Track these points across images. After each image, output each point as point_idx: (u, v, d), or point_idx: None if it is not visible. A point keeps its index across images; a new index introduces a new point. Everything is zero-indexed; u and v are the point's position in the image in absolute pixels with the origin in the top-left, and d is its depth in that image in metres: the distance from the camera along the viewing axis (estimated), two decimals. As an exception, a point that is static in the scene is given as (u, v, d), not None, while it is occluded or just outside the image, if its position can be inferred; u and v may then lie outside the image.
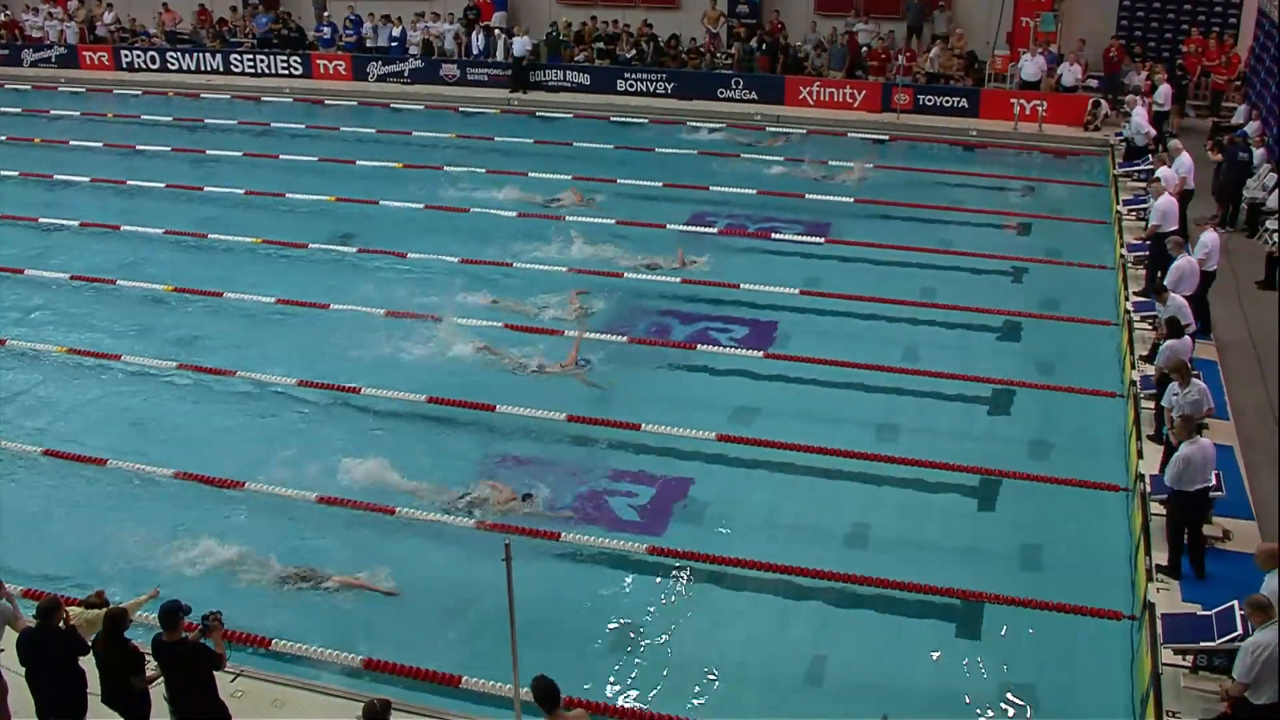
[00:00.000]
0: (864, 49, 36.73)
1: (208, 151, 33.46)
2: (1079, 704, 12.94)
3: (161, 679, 11.08)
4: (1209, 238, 20.16)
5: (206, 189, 30.17)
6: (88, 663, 11.24)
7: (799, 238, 26.15)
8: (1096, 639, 13.74)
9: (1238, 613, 11.88)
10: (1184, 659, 12.39)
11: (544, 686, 10.09)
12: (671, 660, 13.56)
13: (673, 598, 14.61)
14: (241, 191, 29.79)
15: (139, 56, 42.09)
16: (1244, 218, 25.62)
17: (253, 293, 23.22)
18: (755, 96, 36.35)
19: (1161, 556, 14.14)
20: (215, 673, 11.11)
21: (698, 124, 34.99)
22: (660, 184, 29.42)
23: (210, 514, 16.19)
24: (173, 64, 41.82)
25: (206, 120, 37.05)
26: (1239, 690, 10.78)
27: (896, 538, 15.80)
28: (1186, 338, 16.93)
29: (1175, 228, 21.38)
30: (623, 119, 36.01)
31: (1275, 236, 23.85)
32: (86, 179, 31.09)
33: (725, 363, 20.37)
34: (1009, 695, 13.04)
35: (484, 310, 22.22)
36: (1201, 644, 12.14)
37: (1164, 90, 30.90)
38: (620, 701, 12.80)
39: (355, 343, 21.12)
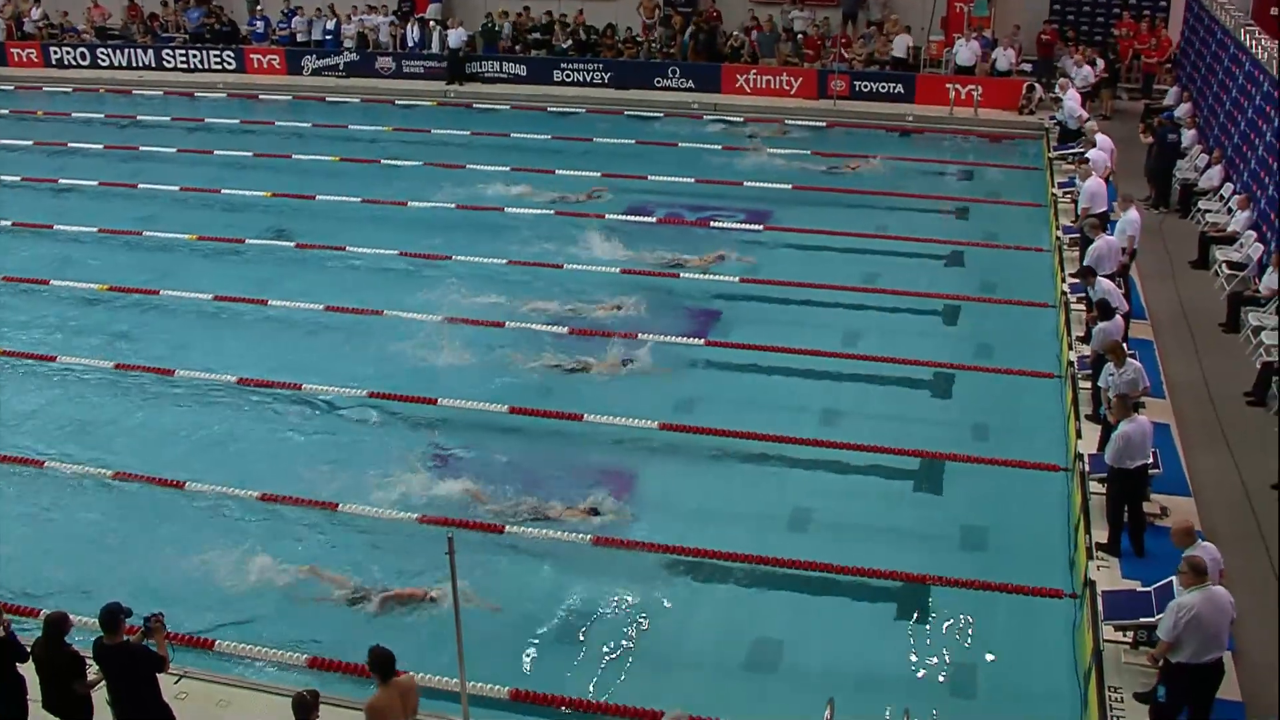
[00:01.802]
0: (799, 35, 36.84)
1: (141, 148, 32.99)
2: (1022, 682, 13.06)
3: (103, 683, 10.96)
4: (1130, 216, 20.51)
5: (140, 186, 29.81)
6: (27, 668, 11.08)
7: (739, 225, 26.21)
8: (1039, 618, 13.88)
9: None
10: (1124, 635, 12.55)
11: (380, 655, 10.38)
12: (616, 648, 13.55)
13: (618, 588, 14.57)
14: (176, 188, 29.45)
15: (68, 53, 41.42)
16: (1176, 198, 25.97)
17: (190, 290, 22.97)
18: (692, 85, 36.37)
19: (1101, 534, 14.30)
20: (159, 675, 10.99)
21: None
22: (599, 174, 29.38)
23: (151, 514, 16.04)
24: (103, 60, 41.19)
25: (139, 117, 36.62)
26: (1164, 649, 10.94)
27: (839, 522, 15.89)
28: (1118, 318, 17.16)
29: (1104, 209, 21.65)
30: (559, 109, 35.94)
31: (1207, 217, 24.24)
32: (17, 178, 30.58)
33: (667, 351, 20.35)
34: (953, 676, 13.15)
35: (424, 303, 22.09)
36: (1141, 620, 12.28)
37: (1084, 72, 31.24)
38: (565, 691, 12.75)
39: (293, 337, 21.04)
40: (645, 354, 20.03)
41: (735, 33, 37.57)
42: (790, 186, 28.41)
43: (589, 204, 27.72)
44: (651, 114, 35.20)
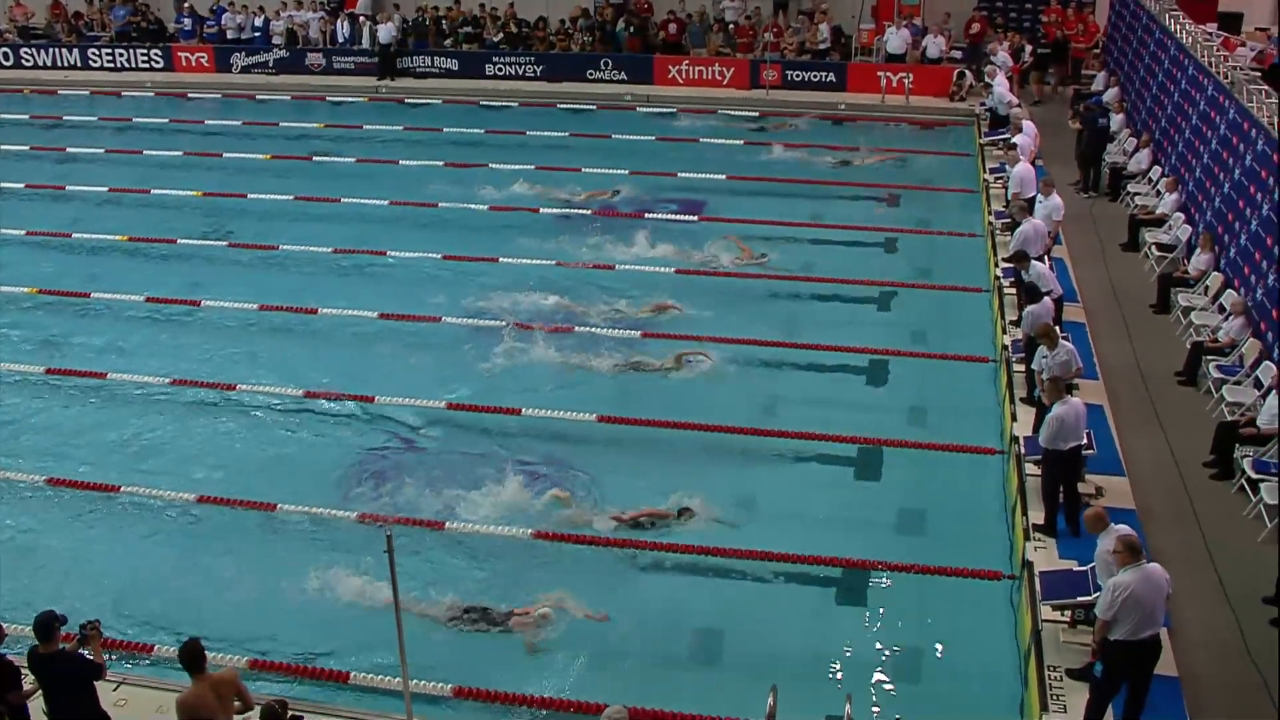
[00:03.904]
0: (730, 26, 36.90)
1: (68, 149, 32.48)
2: (963, 663, 13.19)
3: (39, 693, 10.82)
4: (1053, 201, 20.77)
5: (69, 188, 29.37)
6: (-39, 680, 10.94)
7: (674, 216, 26.21)
8: (978, 599, 14.00)
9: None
10: (1062, 614, 12.66)
11: (190, 649, 10.42)
12: (557, 640, 13.54)
13: (558, 580, 14.51)
14: (105, 189, 29.05)
15: (-9, 53, 40.82)
16: (1106, 182, 26.27)
17: (121, 292, 22.69)
18: (625, 77, 36.31)
19: (1038, 516, 14.44)
20: (96, 683, 10.86)
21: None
22: (532, 167, 29.27)
23: (85, 519, 15.86)
24: (27, 60, 40.40)
25: (65, 117, 35.99)
26: (1102, 627, 11.07)
27: (779, 510, 15.96)
28: (1047, 301, 17.32)
29: (1033, 194, 21.87)
30: (492, 103, 35.78)
31: (1136, 200, 24.54)
32: (-60, 182, 30.08)
33: (605, 344, 20.31)
34: (895, 659, 13.25)
35: (359, 300, 21.95)
36: (1078, 599, 12.41)
37: (1002, 57, 31.47)
38: (505, 687, 12.69)
39: (227, 338, 20.89)
40: (581, 345, 20.02)
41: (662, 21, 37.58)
42: (725, 176, 28.43)
43: (593, 201, 27.40)
44: (584, 106, 35.11)
